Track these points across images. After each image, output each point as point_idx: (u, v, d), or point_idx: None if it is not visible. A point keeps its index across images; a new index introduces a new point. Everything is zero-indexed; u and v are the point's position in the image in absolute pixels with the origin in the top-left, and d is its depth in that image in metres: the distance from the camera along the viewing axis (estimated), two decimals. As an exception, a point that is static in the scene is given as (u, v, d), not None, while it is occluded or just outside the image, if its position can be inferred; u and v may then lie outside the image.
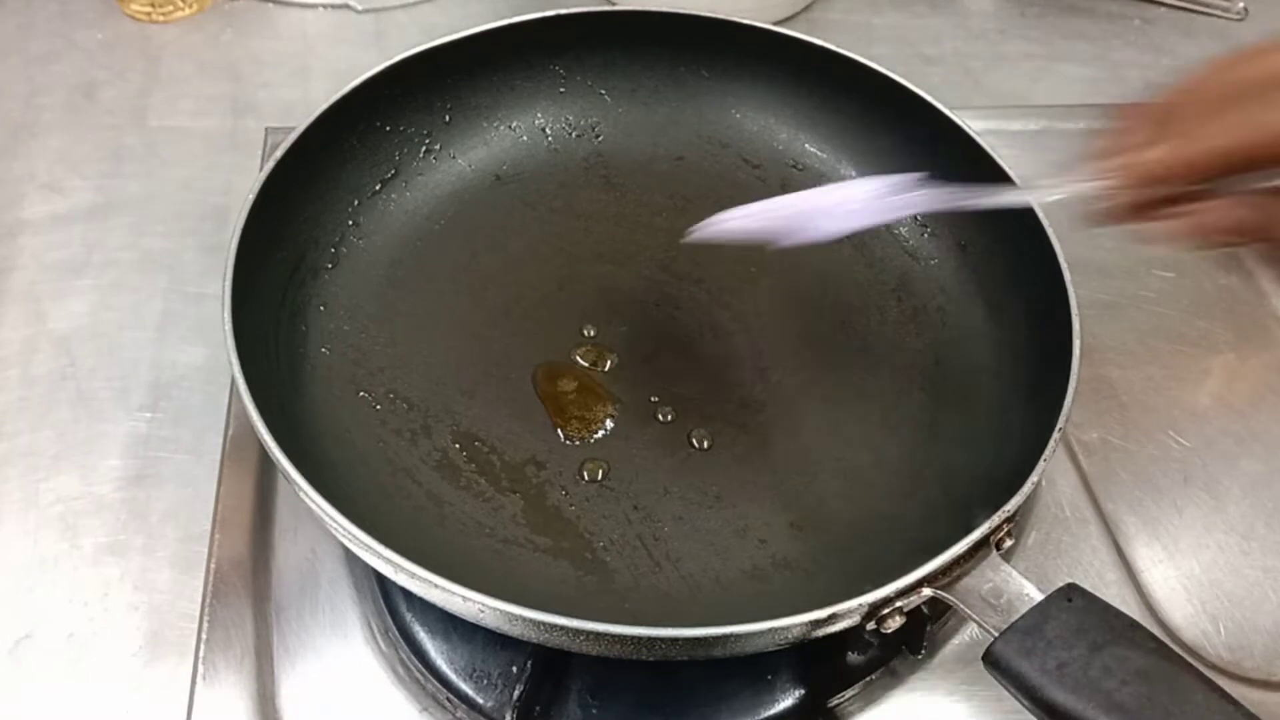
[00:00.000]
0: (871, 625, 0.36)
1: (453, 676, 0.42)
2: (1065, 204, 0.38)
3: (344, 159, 0.53)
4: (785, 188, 0.58)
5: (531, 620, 0.34)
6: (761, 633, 0.34)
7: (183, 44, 0.71)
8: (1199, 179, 0.35)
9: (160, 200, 0.60)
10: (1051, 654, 0.33)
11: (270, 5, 0.74)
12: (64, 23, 0.71)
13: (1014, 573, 0.37)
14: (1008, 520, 0.37)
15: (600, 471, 0.46)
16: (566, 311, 0.52)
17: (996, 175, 0.50)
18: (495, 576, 0.42)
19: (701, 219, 0.56)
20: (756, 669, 0.43)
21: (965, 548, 0.36)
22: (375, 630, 0.44)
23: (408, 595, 0.43)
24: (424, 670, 0.42)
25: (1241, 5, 0.78)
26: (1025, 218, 0.48)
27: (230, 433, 0.49)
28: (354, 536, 0.36)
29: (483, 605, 0.34)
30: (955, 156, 0.52)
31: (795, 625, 0.35)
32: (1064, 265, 0.46)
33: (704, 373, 0.50)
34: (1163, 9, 0.80)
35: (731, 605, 0.42)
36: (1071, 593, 0.35)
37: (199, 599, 0.44)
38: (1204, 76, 0.35)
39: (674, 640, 0.34)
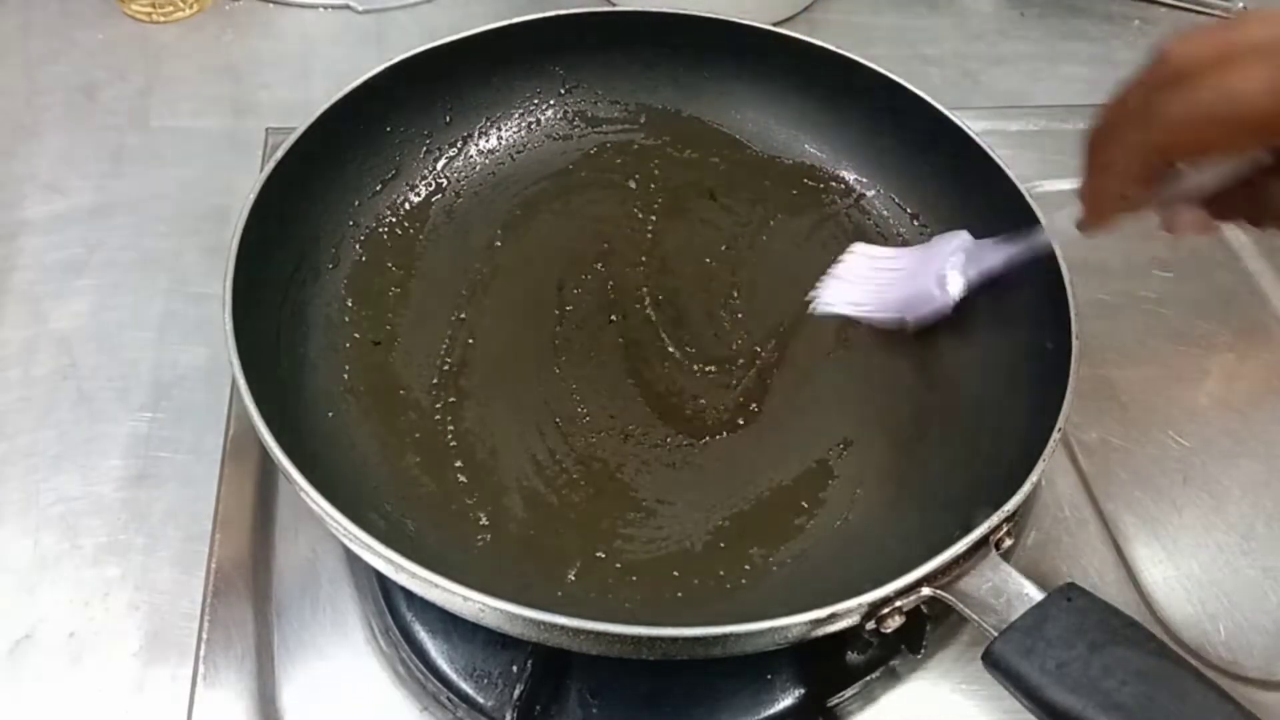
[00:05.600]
0: (871, 625, 0.36)
1: (453, 676, 0.42)
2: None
3: (344, 159, 0.53)
4: (785, 188, 0.58)
5: (531, 620, 0.34)
6: (761, 632, 0.34)
7: (183, 44, 0.71)
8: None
9: (160, 200, 0.60)
10: (1051, 654, 0.33)
11: (270, 5, 0.74)
12: (64, 23, 0.71)
13: (1014, 572, 0.37)
14: (1007, 520, 0.37)
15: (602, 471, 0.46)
16: (566, 312, 0.52)
17: (995, 177, 0.50)
18: (496, 576, 0.42)
19: (699, 219, 0.56)
20: (756, 669, 0.43)
21: (965, 547, 0.36)
22: (376, 630, 0.44)
23: (408, 595, 0.43)
24: (424, 670, 0.42)
25: (1241, 5, 0.78)
26: (1024, 218, 0.48)
27: (231, 433, 0.49)
28: (354, 536, 0.36)
29: (483, 605, 0.34)
30: (954, 156, 0.53)
31: (795, 625, 0.35)
32: (1064, 265, 0.46)
33: (702, 372, 0.50)
34: (1163, 9, 0.80)
35: (732, 605, 0.42)
36: (1071, 592, 0.35)
37: (199, 599, 0.44)
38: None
39: (674, 640, 0.34)
